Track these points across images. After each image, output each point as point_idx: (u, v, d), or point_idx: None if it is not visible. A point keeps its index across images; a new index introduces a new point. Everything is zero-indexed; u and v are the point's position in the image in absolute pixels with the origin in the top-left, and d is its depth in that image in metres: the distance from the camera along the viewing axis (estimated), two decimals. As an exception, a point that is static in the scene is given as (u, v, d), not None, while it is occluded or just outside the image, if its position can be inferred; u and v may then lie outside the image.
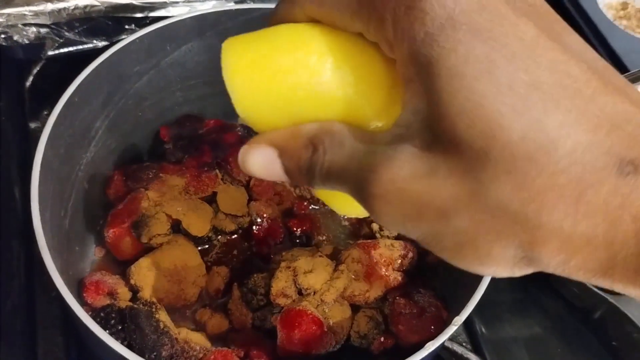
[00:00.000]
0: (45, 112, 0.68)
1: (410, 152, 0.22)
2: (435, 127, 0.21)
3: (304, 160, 0.24)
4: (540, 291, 0.65)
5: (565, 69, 0.20)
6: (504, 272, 0.22)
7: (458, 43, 0.20)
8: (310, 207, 0.63)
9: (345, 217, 0.60)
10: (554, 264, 0.21)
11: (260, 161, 0.25)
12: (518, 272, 0.22)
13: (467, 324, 0.62)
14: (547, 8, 0.23)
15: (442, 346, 0.56)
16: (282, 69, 0.24)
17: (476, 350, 0.59)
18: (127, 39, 0.54)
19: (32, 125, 0.68)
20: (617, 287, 0.21)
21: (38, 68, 0.71)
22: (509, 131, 0.19)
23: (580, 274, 0.21)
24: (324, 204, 0.62)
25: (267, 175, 0.26)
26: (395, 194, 0.22)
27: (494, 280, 0.45)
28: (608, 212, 0.20)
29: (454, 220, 0.21)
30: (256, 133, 0.26)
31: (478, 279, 0.45)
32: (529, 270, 0.22)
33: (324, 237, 0.61)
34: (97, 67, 0.52)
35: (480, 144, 0.20)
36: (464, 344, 0.59)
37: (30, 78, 0.71)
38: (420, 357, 0.42)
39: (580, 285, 0.61)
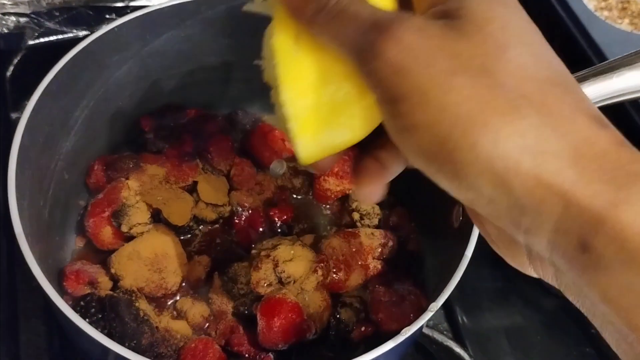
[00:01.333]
0: (27, 102, 0.67)
1: (422, 18, 0.27)
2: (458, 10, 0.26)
3: None
4: (521, 280, 0.65)
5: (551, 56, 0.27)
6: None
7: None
8: (292, 197, 0.63)
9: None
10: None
11: None
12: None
13: (448, 312, 0.62)
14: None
15: (422, 334, 0.56)
16: None
17: (457, 338, 0.60)
18: (105, 28, 0.54)
19: (14, 115, 0.68)
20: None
21: (18, 58, 0.70)
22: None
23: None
24: (305, 194, 0.62)
25: None
26: (408, 45, 0.25)
27: (475, 269, 0.45)
28: None
29: (455, 80, 0.25)
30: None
31: (456, 266, 0.45)
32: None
33: (305, 227, 0.61)
34: (75, 55, 0.52)
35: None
36: (444, 332, 0.59)
37: (11, 68, 0.70)
38: (397, 343, 0.42)
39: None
